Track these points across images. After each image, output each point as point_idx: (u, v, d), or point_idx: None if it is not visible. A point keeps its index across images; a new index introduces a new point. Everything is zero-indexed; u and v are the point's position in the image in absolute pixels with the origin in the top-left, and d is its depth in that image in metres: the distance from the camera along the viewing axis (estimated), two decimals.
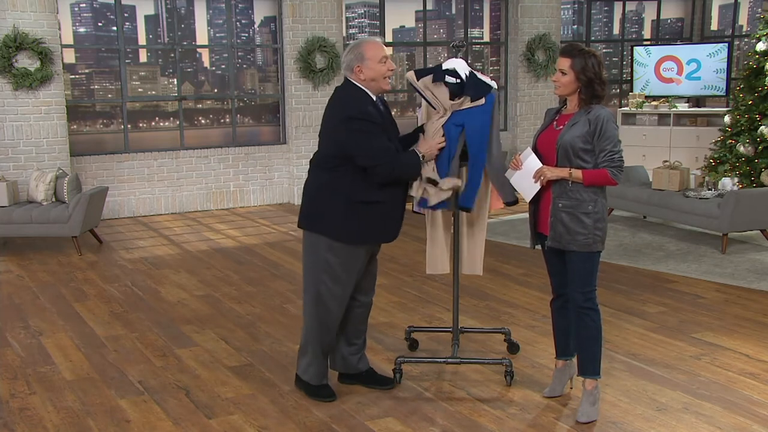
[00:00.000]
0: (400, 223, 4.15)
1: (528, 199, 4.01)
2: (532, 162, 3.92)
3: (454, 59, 4.26)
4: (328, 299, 4.08)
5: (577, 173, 3.79)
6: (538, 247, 4.15)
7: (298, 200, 10.05)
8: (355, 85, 4.02)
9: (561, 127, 3.88)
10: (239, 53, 10.98)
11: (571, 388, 4.25)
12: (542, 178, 3.85)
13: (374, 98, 4.02)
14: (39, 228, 7.80)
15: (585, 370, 3.97)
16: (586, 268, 3.88)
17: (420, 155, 4.07)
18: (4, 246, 8.25)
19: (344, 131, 3.92)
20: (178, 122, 10.35)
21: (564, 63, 3.82)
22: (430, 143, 4.11)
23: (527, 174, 3.93)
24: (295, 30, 10.33)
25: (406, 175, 4.08)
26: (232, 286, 6.58)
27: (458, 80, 4.15)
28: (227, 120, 10.74)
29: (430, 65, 4.52)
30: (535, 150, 3.98)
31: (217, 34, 10.76)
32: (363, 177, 3.96)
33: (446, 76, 4.17)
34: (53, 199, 8.08)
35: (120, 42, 9.80)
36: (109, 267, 7.34)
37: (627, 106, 11.93)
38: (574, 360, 4.20)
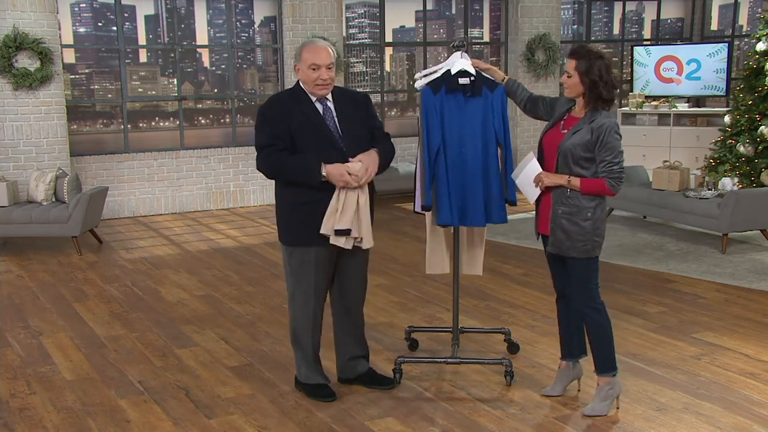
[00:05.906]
0: None
1: (531, 201, 4.07)
2: (533, 167, 3.97)
3: (459, 58, 4.22)
4: (297, 302, 4.12)
5: (575, 181, 3.80)
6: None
7: None
8: (298, 84, 4.01)
9: (566, 131, 3.89)
10: (239, 53, 10.99)
11: (579, 390, 4.24)
12: (540, 183, 3.90)
13: (313, 99, 3.96)
14: (39, 228, 7.80)
15: (597, 367, 3.99)
16: (587, 273, 3.91)
17: (322, 168, 3.80)
18: (4, 246, 8.25)
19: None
20: (178, 122, 10.36)
21: (570, 64, 3.83)
22: (342, 171, 3.80)
23: (528, 178, 3.99)
24: (295, 30, 10.33)
25: (286, 176, 3.89)
26: (232, 286, 6.58)
27: (471, 78, 4.17)
28: (227, 120, 10.75)
29: (431, 65, 4.49)
30: (541, 147, 4.01)
31: (217, 34, 10.77)
32: None
33: (459, 79, 4.17)
34: (53, 199, 8.08)
35: (120, 42, 9.80)
36: (109, 267, 7.34)
37: (627, 106, 11.94)
38: (580, 363, 4.21)
